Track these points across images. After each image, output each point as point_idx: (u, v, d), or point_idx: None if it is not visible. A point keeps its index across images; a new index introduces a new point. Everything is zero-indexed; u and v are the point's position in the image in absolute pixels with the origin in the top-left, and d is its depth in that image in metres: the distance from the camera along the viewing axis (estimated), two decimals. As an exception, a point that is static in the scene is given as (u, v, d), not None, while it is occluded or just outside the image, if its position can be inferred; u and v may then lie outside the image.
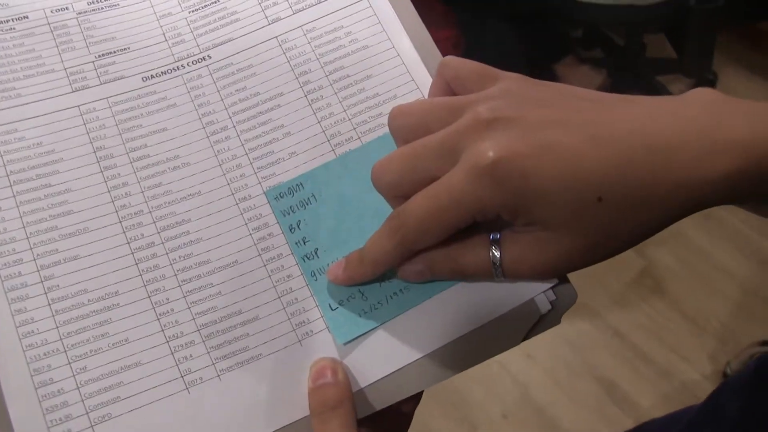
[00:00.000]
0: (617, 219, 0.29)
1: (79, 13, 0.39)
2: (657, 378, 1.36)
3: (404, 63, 0.39)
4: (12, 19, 0.38)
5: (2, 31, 0.37)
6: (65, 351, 0.32)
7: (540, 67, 1.85)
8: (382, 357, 0.34)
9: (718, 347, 1.40)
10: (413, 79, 0.38)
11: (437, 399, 1.29)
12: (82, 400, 0.31)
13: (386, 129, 0.37)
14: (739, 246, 1.55)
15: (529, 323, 0.34)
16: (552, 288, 0.35)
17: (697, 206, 0.30)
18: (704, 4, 1.44)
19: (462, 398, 1.31)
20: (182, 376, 0.32)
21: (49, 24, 0.38)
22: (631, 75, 1.86)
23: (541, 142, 0.29)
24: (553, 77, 1.86)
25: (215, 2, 0.40)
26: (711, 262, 1.53)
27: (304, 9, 0.40)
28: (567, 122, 0.29)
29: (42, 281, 0.33)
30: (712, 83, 1.98)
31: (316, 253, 0.36)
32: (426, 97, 0.38)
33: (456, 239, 0.32)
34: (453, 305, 0.34)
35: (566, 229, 0.29)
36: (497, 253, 0.31)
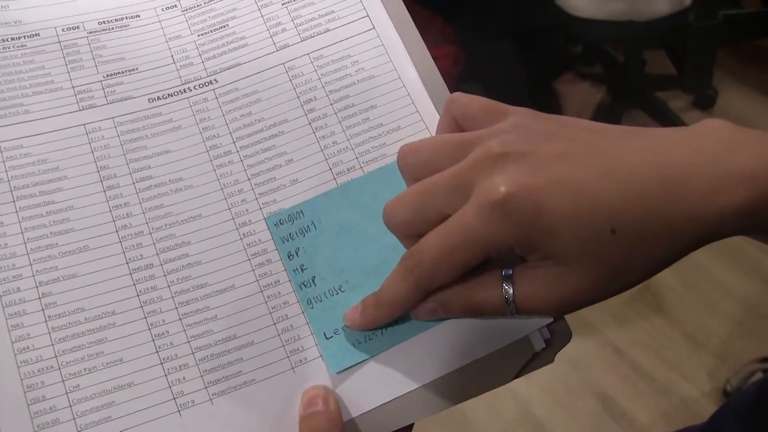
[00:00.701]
0: (630, 251, 0.30)
1: (90, 33, 0.40)
2: (656, 395, 1.37)
3: (409, 94, 0.40)
4: (24, 36, 0.39)
5: (14, 47, 0.39)
6: (59, 368, 0.32)
7: (540, 84, 1.88)
8: (374, 387, 0.35)
9: (717, 364, 1.41)
10: (417, 111, 0.39)
11: (437, 416, 1.31)
12: (74, 419, 0.32)
13: (389, 159, 0.39)
14: (740, 263, 1.58)
15: (522, 360, 0.35)
16: (547, 326, 0.36)
17: (709, 238, 0.30)
18: (703, 21, 1.47)
19: (462, 415, 1.32)
20: (174, 399, 0.33)
21: (59, 42, 0.39)
22: (631, 91, 1.89)
23: (552, 176, 0.29)
24: (552, 93, 1.89)
25: (224, 27, 0.41)
26: (711, 279, 1.55)
27: (312, 37, 0.41)
28: (578, 156, 0.30)
29: (40, 298, 0.34)
30: (712, 99, 2.03)
31: (313, 280, 0.36)
32: (432, 131, 0.39)
33: (469, 276, 0.32)
34: (447, 339, 0.35)
35: (579, 263, 0.30)
36: (510, 290, 0.32)
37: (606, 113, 1.90)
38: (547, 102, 1.93)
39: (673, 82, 1.88)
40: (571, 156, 0.30)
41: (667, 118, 1.87)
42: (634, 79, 1.87)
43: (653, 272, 0.31)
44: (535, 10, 1.59)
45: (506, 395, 1.34)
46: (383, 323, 0.35)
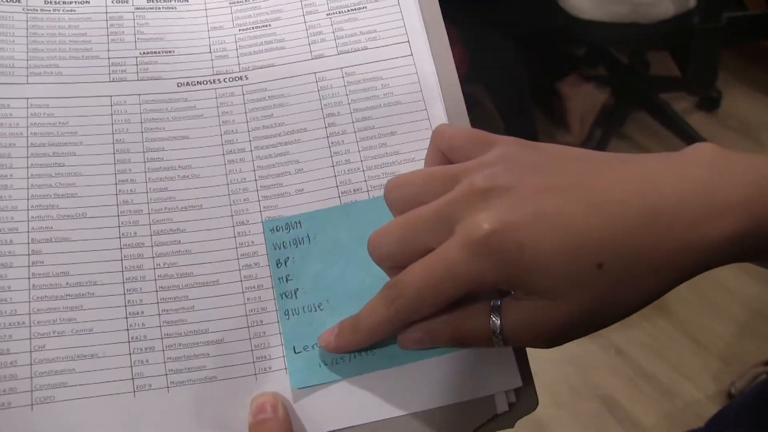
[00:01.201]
0: (619, 285, 0.29)
1: (137, 9, 0.41)
2: (659, 397, 1.37)
3: (431, 128, 0.40)
4: (75, 2, 0.41)
5: (63, 11, 0.40)
6: (29, 326, 0.34)
7: (544, 86, 1.88)
8: (331, 412, 0.35)
9: (721, 367, 1.41)
10: (436, 146, 0.40)
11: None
12: (31, 378, 0.33)
13: (396, 188, 0.39)
14: (743, 265, 1.55)
15: (481, 419, 0.35)
16: (515, 390, 0.35)
17: (701, 268, 0.30)
18: (707, 23, 1.46)
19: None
20: (133, 379, 0.34)
21: (107, 13, 0.41)
22: (635, 93, 1.88)
23: (537, 211, 0.29)
24: (556, 95, 1.89)
25: (266, 26, 0.42)
26: (715, 281, 1.55)
27: (349, 52, 0.41)
28: (565, 188, 0.30)
29: (29, 254, 0.35)
30: (716, 101, 2.01)
31: (295, 293, 0.37)
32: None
33: (456, 306, 0.32)
34: (413, 381, 0.35)
35: (566, 298, 0.29)
36: (498, 321, 0.31)
37: (610, 115, 1.89)
38: (550, 104, 1.92)
39: (677, 84, 1.88)
40: (558, 189, 0.30)
41: (671, 120, 1.86)
42: (638, 80, 1.87)
43: (642, 305, 0.30)
44: (539, 12, 1.59)
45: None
46: (357, 348, 0.35)
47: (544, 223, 0.29)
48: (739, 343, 1.45)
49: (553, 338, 0.31)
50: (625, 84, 1.89)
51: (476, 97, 2.04)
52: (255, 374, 0.35)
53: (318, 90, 0.41)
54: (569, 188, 0.30)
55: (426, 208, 0.32)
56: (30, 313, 0.34)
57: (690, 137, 1.81)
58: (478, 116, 2.00)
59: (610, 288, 0.29)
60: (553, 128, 1.94)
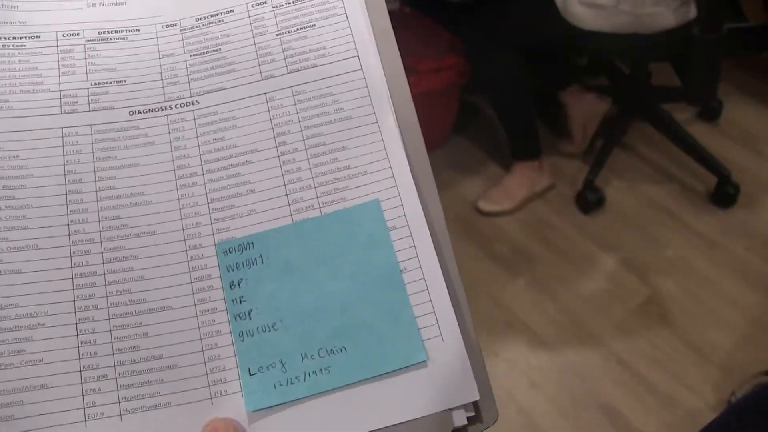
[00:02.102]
0: None
1: (88, 41, 0.42)
2: (661, 407, 1.38)
3: (383, 140, 0.40)
4: (25, 37, 0.42)
5: (13, 46, 0.42)
6: None
7: (545, 95, 1.90)
8: None
9: (723, 377, 1.42)
10: (388, 158, 0.40)
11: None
12: None
13: (348, 203, 0.39)
14: (745, 275, 1.59)
15: None
16: (474, 404, 0.35)
17: None
18: (708, 34, 1.45)
19: (466, 425, 1.36)
20: (84, 408, 0.34)
21: (57, 47, 0.42)
22: (637, 103, 1.90)
23: None
24: (558, 105, 1.90)
25: (217, 50, 0.43)
26: (716, 291, 1.57)
27: (299, 70, 0.42)
28: None
29: None
30: (716, 111, 2.01)
31: (249, 314, 0.37)
32: (399, 180, 0.39)
33: None
34: (368, 399, 0.35)
35: None
36: None
37: (612, 125, 1.89)
38: (553, 114, 1.93)
39: (678, 94, 1.87)
40: None
41: (673, 130, 1.85)
42: (639, 91, 1.87)
43: None
44: (542, 22, 1.60)
45: (511, 406, 1.35)
46: None
47: None
48: (740, 352, 1.45)
49: None
50: (626, 94, 1.89)
51: (478, 107, 2.06)
52: (211, 398, 0.35)
53: (269, 110, 0.41)
54: None
55: None
56: None
57: (691, 147, 1.81)
58: (480, 126, 2.01)
59: None
60: (555, 138, 1.94)
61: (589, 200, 1.77)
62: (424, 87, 1.69)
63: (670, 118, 1.86)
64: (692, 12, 1.46)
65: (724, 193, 1.77)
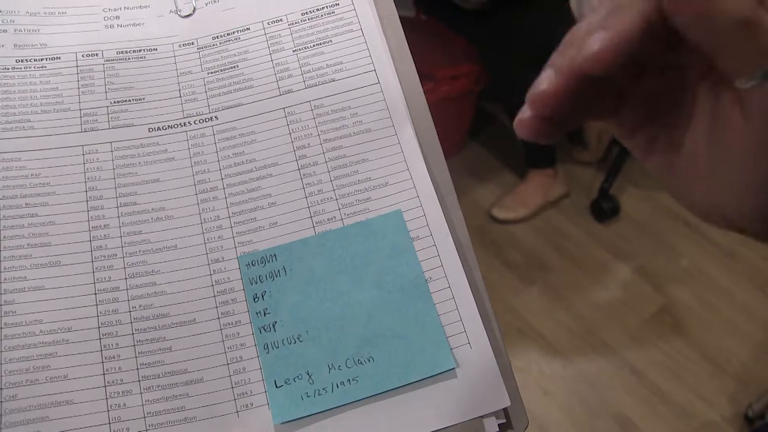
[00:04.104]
0: None
1: (107, 60, 0.43)
2: (675, 418, 1.37)
3: (403, 151, 0.41)
4: (46, 58, 0.43)
5: (34, 68, 0.42)
6: (1, 376, 0.34)
7: None
8: None
9: (738, 388, 1.41)
10: (408, 169, 0.40)
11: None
12: (0, 429, 0.33)
13: (370, 214, 0.40)
14: (762, 285, 1.59)
15: None
16: (504, 410, 0.35)
17: None
18: None
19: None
20: (109, 423, 0.34)
21: (77, 67, 0.43)
22: None
23: None
24: None
25: (234, 67, 0.44)
26: (731, 301, 1.56)
27: (316, 85, 0.43)
28: None
29: (1, 305, 0.36)
30: None
31: (273, 326, 0.37)
32: (420, 190, 0.39)
33: None
34: (399, 409, 0.35)
35: None
36: None
37: None
38: None
39: None
40: None
41: None
42: None
43: None
44: (557, 30, 1.61)
45: None
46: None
47: None
48: (756, 364, 1.44)
49: None
50: None
51: (493, 114, 2.08)
52: (237, 411, 0.35)
53: (288, 124, 0.42)
54: None
55: None
56: (1, 363, 0.35)
57: None
58: (494, 133, 2.02)
59: None
60: (570, 145, 1.95)
61: (604, 208, 1.78)
62: (440, 94, 1.72)
63: None
64: None
65: (742, 203, 1.78)
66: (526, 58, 1.71)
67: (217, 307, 0.38)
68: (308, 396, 0.36)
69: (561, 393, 1.41)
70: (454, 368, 0.36)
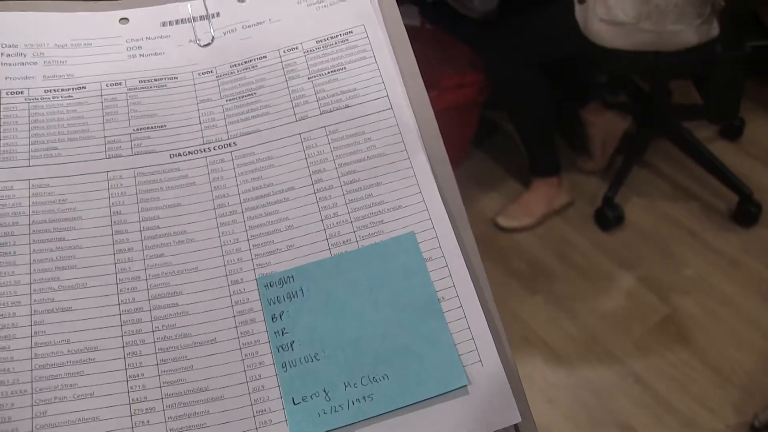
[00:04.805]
0: None
1: (130, 89, 0.45)
2: (680, 428, 1.38)
3: (415, 175, 0.42)
4: (72, 88, 0.45)
5: (61, 97, 0.45)
6: (31, 393, 0.36)
7: (565, 112, 1.93)
8: None
9: (744, 398, 1.41)
10: (421, 192, 0.42)
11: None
12: None
13: (385, 236, 0.41)
14: (766, 295, 1.59)
15: None
16: (515, 426, 0.36)
17: None
18: (731, 51, 1.47)
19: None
20: None
21: (101, 96, 0.45)
22: (657, 121, 1.92)
23: None
24: (578, 122, 1.93)
25: (252, 94, 0.45)
26: (737, 311, 1.56)
27: (331, 111, 0.45)
28: None
29: (31, 325, 0.38)
30: (738, 129, 2.02)
31: (291, 345, 0.39)
32: (433, 212, 0.41)
33: None
34: (413, 425, 0.37)
35: None
36: None
37: (632, 142, 1.91)
38: (572, 131, 1.95)
39: (699, 112, 1.89)
40: None
41: (694, 148, 1.87)
42: (660, 108, 1.89)
43: None
44: (562, 39, 1.63)
45: None
46: None
47: None
48: (762, 374, 1.44)
49: None
50: (647, 112, 1.92)
51: (498, 123, 2.09)
52: (256, 428, 0.37)
53: (304, 149, 0.44)
54: None
55: None
56: (32, 381, 0.36)
57: (712, 165, 1.82)
58: (499, 142, 2.04)
59: None
60: (574, 154, 1.96)
61: (609, 217, 1.79)
62: (445, 103, 1.74)
63: (691, 136, 1.88)
64: (714, 30, 1.48)
65: (746, 212, 1.78)
66: (531, 68, 1.74)
67: (236, 326, 0.39)
68: (325, 413, 0.37)
69: (565, 401, 1.41)
70: (466, 385, 0.37)
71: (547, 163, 1.83)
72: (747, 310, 1.56)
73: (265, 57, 0.47)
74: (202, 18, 0.48)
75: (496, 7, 1.63)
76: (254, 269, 0.41)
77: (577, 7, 1.55)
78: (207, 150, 0.44)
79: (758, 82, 2.05)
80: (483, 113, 1.96)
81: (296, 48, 0.47)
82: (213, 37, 0.47)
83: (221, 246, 0.41)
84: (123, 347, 0.38)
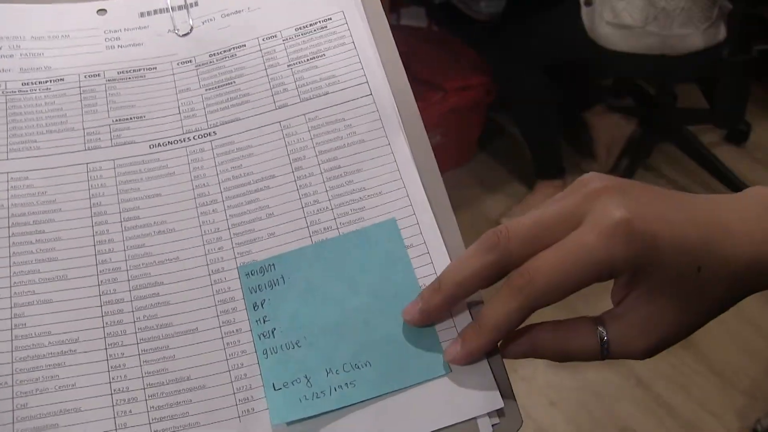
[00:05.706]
0: (706, 291, 0.34)
1: (109, 80, 0.46)
2: (682, 431, 1.38)
3: (396, 161, 0.43)
4: (50, 80, 0.45)
5: (39, 90, 0.45)
6: (12, 386, 0.36)
7: (570, 115, 1.94)
8: None
9: (747, 403, 1.42)
10: (401, 178, 0.42)
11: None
12: None
13: (365, 223, 0.41)
14: None
15: None
16: (497, 411, 0.37)
17: (761, 285, 0.36)
18: (737, 56, 1.47)
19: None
20: (116, 430, 0.36)
21: (80, 87, 0.45)
22: (663, 124, 1.92)
23: (656, 211, 0.34)
24: (583, 125, 1.94)
25: (231, 83, 0.46)
26: (740, 316, 1.56)
27: (311, 98, 0.45)
28: (664, 200, 0.35)
29: (11, 318, 0.38)
30: (744, 134, 2.02)
31: (272, 332, 0.39)
32: (414, 199, 0.42)
33: (560, 322, 0.37)
34: (395, 411, 0.37)
35: (669, 299, 0.34)
36: (605, 334, 0.36)
37: (636, 146, 1.91)
38: (577, 134, 1.96)
39: (705, 116, 1.92)
40: (661, 200, 0.35)
41: (698, 152, 1.87)
42: (665, 112, 1.90)
43: (717, 313, 0.36)
44: (568, 42, 1.63)
45: (529, 425, 1.35)
46: (486, 351, 0.37)
47: (664, 222, 0.33)
48: (765, 378, 1.45)
49: (656, 345, 0.36)
50: (652, 115, 1.93)
51: (503, 125, 2.09)
52: (239, 416, 0.37)
53: (284, 137, 0.44)
54: (668, 201, 0.35)
55: (554, 205, 0.35)
56: (13, 374, 0.37)
57: (717, 170, 1.82)
58: (504, 144, 2.04)
59: (701, 292, 0.34)
60: (579, 158, 1.96)
61: None
62: (450, 105, 1.75)
63: (696, 140, 1.88)
64: (721, 33, 1.48)
65: (751, 217, 1.78)
66: (536, 71, 1.74)
67: (218, 315, 0.40)
68: (306, 399, 0.37)
69: (567, 404, 1.42)
70: (448, 372, 0.38)
71: (551, 165, 1.83)
72: (750, 315, 1.57)
73: (244, 45, 0.47)
74: (180, 8, 0.48)
75: (502, 10, 1.64)
76: (235, 258, 0.41)
77: (584, 10, 1.55)
78: (187, 140, 0.44)
79: (764, 87, 2.05)
80: (488, 115, 1.97)
81: (275, 36, 0.47)
82: (191, 27, 0.48)
83: (202, 235, 0.41)
84: (104, 338, 0.38)
